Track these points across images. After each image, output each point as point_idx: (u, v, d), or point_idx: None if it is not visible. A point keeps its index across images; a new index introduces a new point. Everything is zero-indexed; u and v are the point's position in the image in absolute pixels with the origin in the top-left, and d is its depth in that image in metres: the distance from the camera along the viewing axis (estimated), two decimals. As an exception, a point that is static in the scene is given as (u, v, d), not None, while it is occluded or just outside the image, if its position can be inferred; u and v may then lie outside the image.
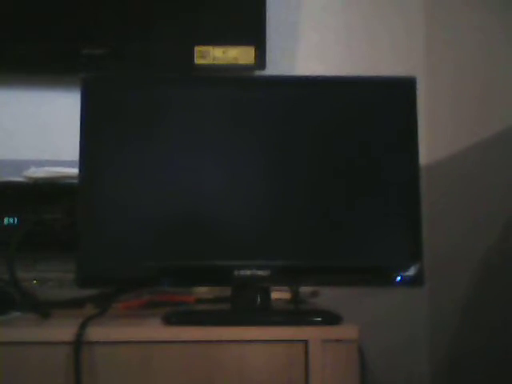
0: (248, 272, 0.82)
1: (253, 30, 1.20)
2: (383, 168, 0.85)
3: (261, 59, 1.19)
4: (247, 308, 0.83)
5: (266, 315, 0.82)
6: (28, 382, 0.77)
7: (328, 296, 0.98)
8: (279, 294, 0.93)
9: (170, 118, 0.86)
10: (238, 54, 1.19)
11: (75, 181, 0.87)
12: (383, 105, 0.87)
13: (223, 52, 1.19)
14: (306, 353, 0.78)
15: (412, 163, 0.85)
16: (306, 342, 0.78)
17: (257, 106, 0.86)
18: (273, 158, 0.85)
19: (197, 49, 1.20)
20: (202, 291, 1.01)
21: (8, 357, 0.77)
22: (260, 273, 0.82)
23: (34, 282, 0.98)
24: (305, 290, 0.99)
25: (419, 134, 0.86)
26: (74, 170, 0.91)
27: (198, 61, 1.19)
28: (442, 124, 1.24)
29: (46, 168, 1.05)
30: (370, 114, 0.86)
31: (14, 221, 0.98)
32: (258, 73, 1.21)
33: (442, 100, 1.25)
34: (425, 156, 1.14)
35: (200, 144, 0.85)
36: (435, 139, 1.22)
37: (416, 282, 0.83)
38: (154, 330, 0.80)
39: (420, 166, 0.86)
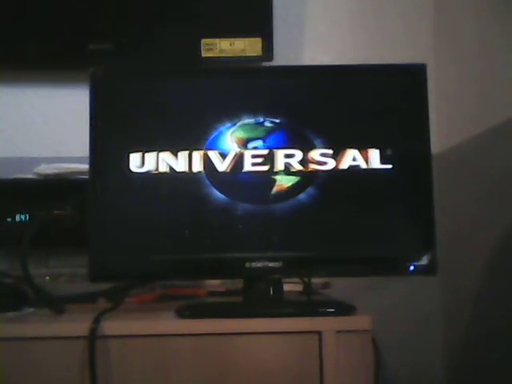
0: (260, 264, 0.82)
1: (260, 22, 1.20)
2: (394, 157, 0.84)
3: (268, 50, 1.19)
4: (260, 300, 0.83)
5: (279, 307, 0.82)
6: (43, 377, 0.77)
7: (339, 288, 0.98)
8: (291, 286, 0.93)
9: (179, 110, 0.85)
10: (246, 46, 1.19)
11: (85, 176, 0.88)
12: (393, 92, 0.86)
13: (230, 44, 1.19)
14: (320, 344, 0.77)
15: (424, 151, 0.85)
16: (319, 333, 0.77)
17: (265, 96, 0.86)
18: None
19: (203, 41, 1.19)
20: (214, 284, 1.01)
21: (22, 352, 0.77)
22: (272, 264, 0.82)
23: (47, 278, 0.98)
24: (316, 281, 0.99)
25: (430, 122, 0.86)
26: (84, 166, 0.91)
27: (205, 54, 1.19)
28: (452, 111, 1.24)
29: (56, 164, 1.06)
30: (380, 101, 0.86)
31: (25, 217, 0.98)
32: (265, 64, 1.20)
33: (451, 88, 1.25)
34: (435, 144, 1.13)
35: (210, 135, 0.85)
36: (445, 127, 1.22)
37: (429, 270, 0.83)
38: (167, 323, 0.80)
39: (432, 154, 0.86)
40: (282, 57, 1.21)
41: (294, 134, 0.85)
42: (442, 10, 1.29)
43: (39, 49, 1.19)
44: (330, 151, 0.84)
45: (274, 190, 0.84)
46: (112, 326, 0.77)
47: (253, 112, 0.85)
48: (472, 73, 1.21)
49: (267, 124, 0.85)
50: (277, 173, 0.84)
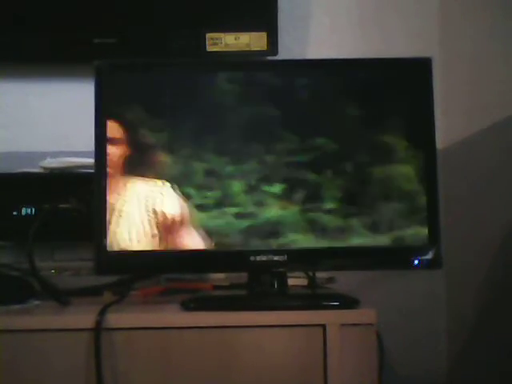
0: (264, 257, 0.82)
1: (265, 16, 1.19)
2: (399, 151, 0.84)
3: (273, 45, 1.19)
4: (264, 293, 0.83)
5: (283, 300, 0.83)
6: (49, 369, 0.78)
7: (344, 282, 0.98)
8: (296, 281, 0.93)
9: (184, 103, 0.86)
10: (250, 40, 1.19)
11: (90, 170, 0.88)
12: (398, 86, 0.86)
13: (235, 38, 1.19)
14: (324, 337, 0.78)
15: (428, 145, 0.85)
16: (323, 327, 0.78)
17: (269, 90, 0.86)
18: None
19: (208, 36, 1.19)
20: (219, 278, 1.01)
21: (29, 344, 0.78)
22: (276, 258, 0.82)
23: (53, 271, 0.98)
24: (321, 276, 0.99)
25: (435, 117, 0.85)
26: (89, 160, 0.91)
27: (209, 48, 1.19)
28: (458, 106, 1.23)
29: (62, 158, 1.06)
30: (385, 96, 0.86)
31: (31, 211, 0.99)
32: (270, 59, 1.20)
33: (457, 82, 1.24)
34: (440, 139, 1.13)
35: (214, 128, 0.84)
36: (451, 122, 1.21)
37: (434, 264, 0.83)
38: (172, 316, 0.80)
39: (436, 149, 0.86)
40: (287, 51, 1.21)
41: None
42: (449, 3, 1.28)
43: (44, 43, 1.19)
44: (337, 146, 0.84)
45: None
46: (117, 319, 0.78)
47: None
48: (478, 67, 1.20)
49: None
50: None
